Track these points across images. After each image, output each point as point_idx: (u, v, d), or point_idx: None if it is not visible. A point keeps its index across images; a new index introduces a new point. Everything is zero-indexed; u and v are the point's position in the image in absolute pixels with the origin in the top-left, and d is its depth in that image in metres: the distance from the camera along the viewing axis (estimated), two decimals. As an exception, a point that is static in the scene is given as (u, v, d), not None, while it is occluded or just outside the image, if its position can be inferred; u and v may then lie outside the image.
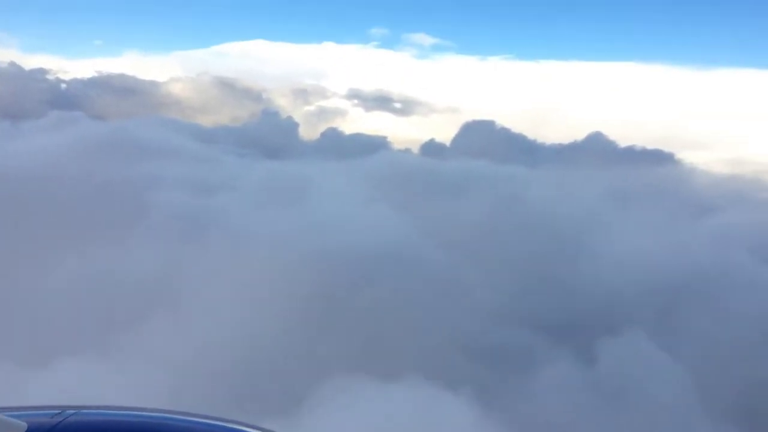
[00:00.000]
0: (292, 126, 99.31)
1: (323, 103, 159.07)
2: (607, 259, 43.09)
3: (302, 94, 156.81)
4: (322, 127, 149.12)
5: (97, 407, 2.74)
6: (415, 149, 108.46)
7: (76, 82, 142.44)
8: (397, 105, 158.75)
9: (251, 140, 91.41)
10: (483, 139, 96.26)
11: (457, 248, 38.49)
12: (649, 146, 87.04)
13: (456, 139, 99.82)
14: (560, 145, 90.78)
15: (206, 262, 32.45)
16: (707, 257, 48.03)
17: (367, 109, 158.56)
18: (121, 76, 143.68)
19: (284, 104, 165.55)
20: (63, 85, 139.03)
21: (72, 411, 2.58)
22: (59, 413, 2.55)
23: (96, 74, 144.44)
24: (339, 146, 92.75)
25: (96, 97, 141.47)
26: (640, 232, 51.19)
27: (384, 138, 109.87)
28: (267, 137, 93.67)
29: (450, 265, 37.80)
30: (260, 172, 50.42)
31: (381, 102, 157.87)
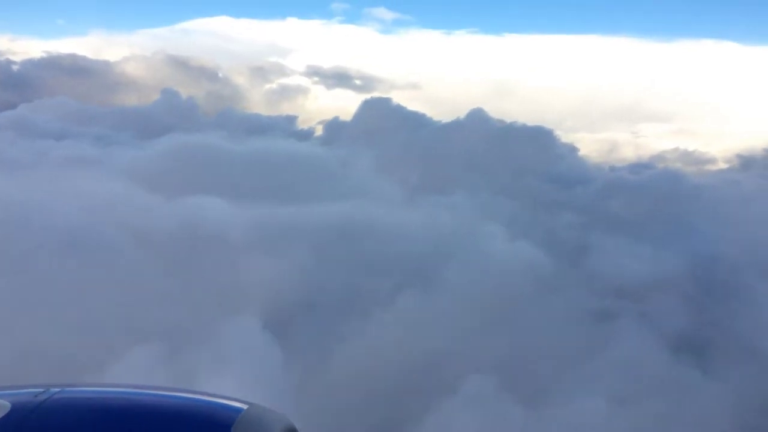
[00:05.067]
0: (191, 107, 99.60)
1: (284, 80, 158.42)
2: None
3: (260, 72, 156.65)
4: (285, 106, 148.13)
5: (83, 385, 2.65)
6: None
7: (27, 63, 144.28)
8: (358, 82, 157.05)
9: (141, 122, 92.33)
10: (379, 116, 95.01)
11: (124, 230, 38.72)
12: (530, 123, 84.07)
13: (355, 117, 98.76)
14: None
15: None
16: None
17: (328, 87, 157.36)
18: (72, 56, 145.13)
19: (242, 82, 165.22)
20: (14, 67, 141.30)
21: (57, 389, 2.51)
22: (44, 391, 2.48)
23: (44, 54, 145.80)
24: (236, 126, 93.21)
25: (48, 78, 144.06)
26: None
27: (293, 117, 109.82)
28: (160, 118, 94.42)
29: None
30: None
31: (341, 79, 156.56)
